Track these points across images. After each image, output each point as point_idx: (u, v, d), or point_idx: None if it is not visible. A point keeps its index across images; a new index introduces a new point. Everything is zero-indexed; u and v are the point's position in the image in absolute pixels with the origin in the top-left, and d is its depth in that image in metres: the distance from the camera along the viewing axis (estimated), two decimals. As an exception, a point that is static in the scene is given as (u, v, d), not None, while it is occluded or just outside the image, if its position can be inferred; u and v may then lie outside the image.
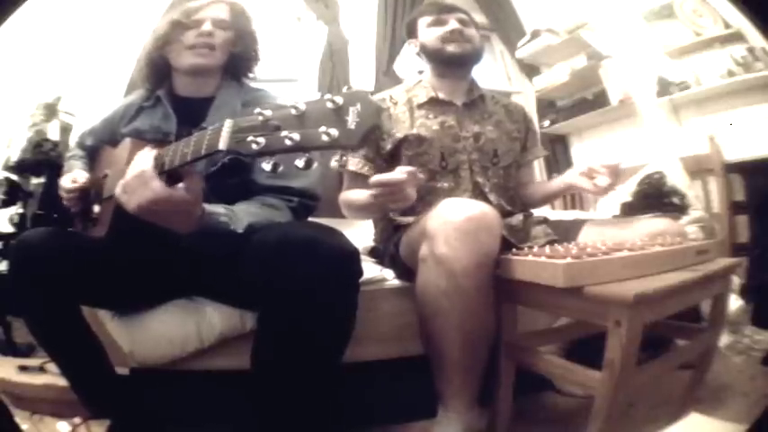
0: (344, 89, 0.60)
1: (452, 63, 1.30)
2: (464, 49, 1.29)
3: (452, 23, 1.29)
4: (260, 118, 0.61)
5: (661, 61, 2.31)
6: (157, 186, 0.73)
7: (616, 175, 1.09)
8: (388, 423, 1.10)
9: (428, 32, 1.32)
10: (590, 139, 2.74)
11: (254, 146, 0.61)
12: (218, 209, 0.83)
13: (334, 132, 0.57)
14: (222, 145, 0.64)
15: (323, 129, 0.58)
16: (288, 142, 0.59)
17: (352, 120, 0.57)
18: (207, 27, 1.04)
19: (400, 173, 0.92)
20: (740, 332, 1.40)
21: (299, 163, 0.61)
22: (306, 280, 0.75)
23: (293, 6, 2.59)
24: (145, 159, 0.75)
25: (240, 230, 0.84)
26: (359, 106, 0.58)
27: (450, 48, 1.28)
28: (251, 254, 0.80)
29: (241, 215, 0.86)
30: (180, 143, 0.74)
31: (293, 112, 0.60)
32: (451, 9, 1.33)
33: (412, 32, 1.37)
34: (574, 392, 1.15)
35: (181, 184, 0.74)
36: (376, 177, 0.94)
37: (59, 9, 2.01)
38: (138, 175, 0.74)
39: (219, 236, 0.82)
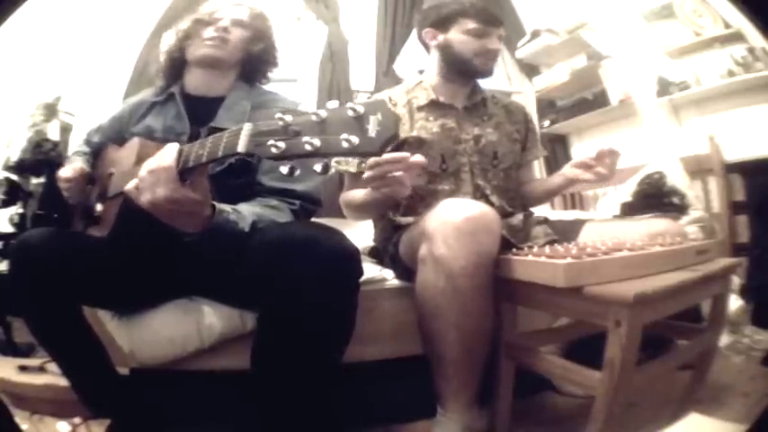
0: (366, 98, 0.60)
1: (472, 76, 1.28)
2: (491, 69, 1.25)
3: (495, 43, 1.23)
4: (280, 123, 0.62)
5: (661, 61, 2.31)
6: (177, 184, 0.72)
7: (607, 159, 1.08)
8: (388, 423, 1.10)
9: (464, 38, 1.23)
10: (590, 139, 2.74)
11: (273, 150, 0.61)
12: (226, 207, 0.83)
13: (355, 140, 0.58)
14: (241, 148, 0.65)
15: (344, 136, 0.59)
16: (308, 147, 0.60)
17: (372, 128, 0.58)
18: (224, 23, 1.08)
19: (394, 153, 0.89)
20: (740, 332, 1.40)
21: (317, 168, 0.62)
22: (306, 279, 0.75)
23: (293, 6, 2.59)
24: (167, 156, 0.74)
25: (246, 230, 0.84)
26: (379, 115, 0.59)
27: (480, 64, 1.23)
28: (251, 253, 0.80)
29: (246, 214, 0.86)
30: (195, 144, 0.74)
31: (314, 118, 0.61)
32: (499, 23, 1.24)
33: (441, 25, 1.25)
34: (574, 392, 1.15)
35: (187, 183, 0.74)
36: (371, 159, 0.91)
37: (59, 9, 2.02)
38: (157, 170, 0.73)
39: (227, 235, 0.82)
